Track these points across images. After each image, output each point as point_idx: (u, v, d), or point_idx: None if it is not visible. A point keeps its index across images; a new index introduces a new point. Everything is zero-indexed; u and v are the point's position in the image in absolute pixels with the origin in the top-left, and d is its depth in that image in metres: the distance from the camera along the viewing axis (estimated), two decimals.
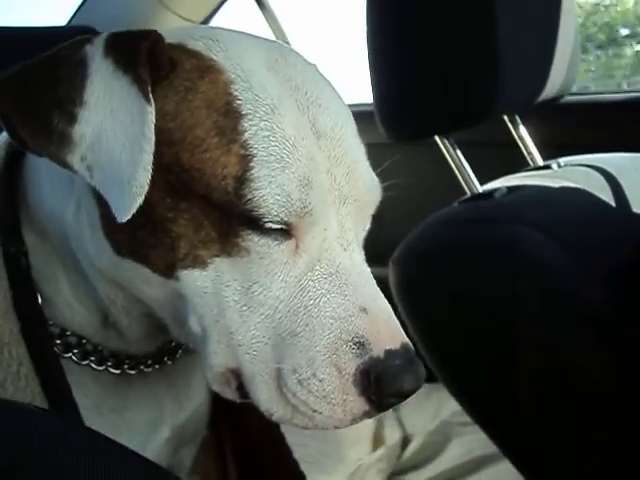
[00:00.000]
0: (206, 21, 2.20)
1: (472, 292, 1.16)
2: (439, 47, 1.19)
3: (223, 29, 0.79)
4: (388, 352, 0.68)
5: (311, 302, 0.69)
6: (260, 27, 2.22)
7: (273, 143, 0.68)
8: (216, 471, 1.10)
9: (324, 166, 0.71)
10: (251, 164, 0.67)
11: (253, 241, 0.68)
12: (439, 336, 1.23)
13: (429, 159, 1.45)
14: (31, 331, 0.77)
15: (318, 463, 1.71)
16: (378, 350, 0.68)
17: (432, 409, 2.04)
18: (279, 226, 0.68)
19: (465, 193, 1.34)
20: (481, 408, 1.25)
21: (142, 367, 0.87)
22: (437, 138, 1.33)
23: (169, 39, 0.72)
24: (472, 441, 1.81)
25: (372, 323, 0.69)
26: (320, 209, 0.70)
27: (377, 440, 1.98)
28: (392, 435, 1.99)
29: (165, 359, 0.90)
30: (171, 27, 2.11)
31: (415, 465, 1.88)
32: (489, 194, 1.27)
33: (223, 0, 2.17)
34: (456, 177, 1.35)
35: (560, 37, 1.34)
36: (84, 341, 0.83)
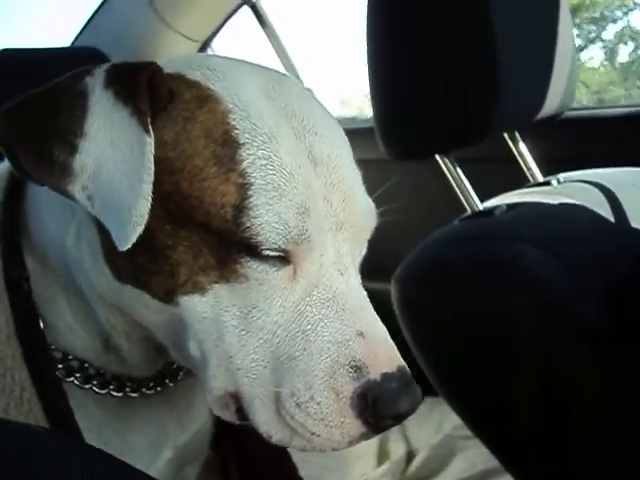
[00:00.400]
0: (209, 39, 2.22)
1: (472, 310, 1.16)
2: (439, 66, 1.20)
3: (220, 57, 0.80)
4: (385, 375, 0.69)
5: (309, 327, 0.70)
6: (261, 43, 2.24)
7: (271, 172, 0.69)
8: None
9: (321, 193, 0.72)
10: (249, 192, 0.68)
11: (252, 268, 0.69)
12: (440, 353, 1.23)
13: (429, 176, 1.45)
14: (33, 356, 0.78)
15: (322, 479, 1.71)
16: (375, 373, 0.69)
17: (435, 423, 2.03)
18: (277, 253, 0.69)
19: (465, 210, 1.34)
20: (482, 423, 1.25)
21: (144, 389, 0.88)
22: (437, 156, 1.34)
23: (168, 69, 0.74)
24: (475, 455, 1.80)
25: (369, 347, 0.70)
26: (317, 236, 0.71)
27: (382, 455, 1.98)
28: (397, 449, 1.98)
29: (166, 381, 0.90)
30: (175, 46, 2.13)
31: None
32: (489, 211, 1.27)
33: (226, 19, 2.19)
34: (456, 194, 1.36)
35: (558, 54, 1.35)
36: (86, 365, 0.84)
